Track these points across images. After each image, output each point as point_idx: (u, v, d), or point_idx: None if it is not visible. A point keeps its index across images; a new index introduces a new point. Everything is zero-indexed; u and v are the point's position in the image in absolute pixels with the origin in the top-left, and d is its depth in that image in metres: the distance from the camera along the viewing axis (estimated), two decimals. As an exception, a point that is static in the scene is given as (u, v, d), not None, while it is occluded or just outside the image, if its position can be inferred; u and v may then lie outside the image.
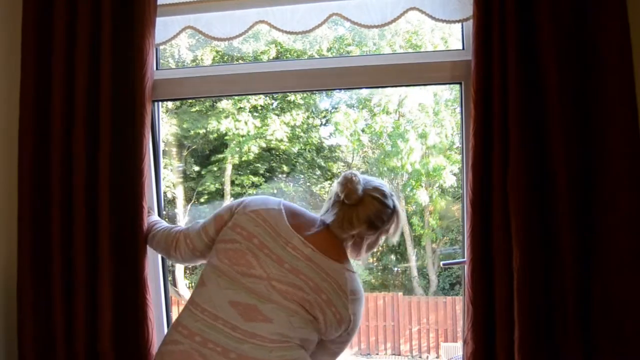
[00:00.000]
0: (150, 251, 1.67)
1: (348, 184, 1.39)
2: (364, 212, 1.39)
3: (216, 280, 1.34)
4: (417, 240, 7.44)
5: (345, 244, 1.44)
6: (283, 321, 1.29)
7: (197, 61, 6.54)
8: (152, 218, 1.70)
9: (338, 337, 1.40)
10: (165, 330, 1.82)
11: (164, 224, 1.67)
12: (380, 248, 7.76)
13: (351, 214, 1.39)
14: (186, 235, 1.51)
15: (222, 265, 1.35)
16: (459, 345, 6.26)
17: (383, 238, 1.49)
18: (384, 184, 1.46)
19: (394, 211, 1.44)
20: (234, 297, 1.30)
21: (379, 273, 7.68)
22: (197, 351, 1.26)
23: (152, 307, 1.64)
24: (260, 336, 1.27)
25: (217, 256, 1.38)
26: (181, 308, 1.39)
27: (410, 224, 7.30)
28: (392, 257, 7.67)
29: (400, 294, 7.09)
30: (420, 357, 6.87)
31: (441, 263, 1.88)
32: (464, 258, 1.59)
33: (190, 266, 5.18)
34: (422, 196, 7.03)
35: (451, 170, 6.75)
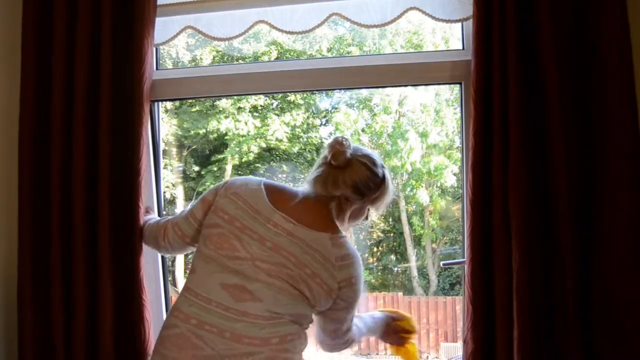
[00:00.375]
0: (150, 251, 1.67)
1: (337, 145, 1.36)
2: (350, 176, 1.36)
3: (205, 266, 1.35)
4: (417, 240, 7.43)
5: (331, 209, 1.40)
6: (271, 299, 1.30)
7: (196, 61, 6.54)
8: (148, 217, 1.69)
9: (337, 305, 1.38)
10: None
11: (157, 218, 1.67)
12: (380, 248, 7.75)
13: (337, 175, 1.37)
14: (174, 224, 1.51)
15: (208, 251, 1.36)
16: (459, 345, 6.26)
17: (368, 209, 1.45)
18: (375, 153, 1.43)
19: (382, 181, 1.41)
20: (223, 280, 1.32)
21: (379, 273, 7.68)
22: (194, 333, 1.29)
23: (148, 307, 1.64)
24: (251, 314, 1.29)
25: (204, 242, 1.39)
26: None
27: (410, 224, 7.30)
28: (392, 257, 7.67)
29: (400, 294, 7.09)
30: (420, 356, 6.88)
31: (441, 263, 1.88)
32: (464, 258, 1.59)
33: (184, 260, 5.19)
34: (422, 196, 7.03)
35: (451, 170, 6.75)
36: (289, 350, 1.31)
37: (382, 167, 1.42)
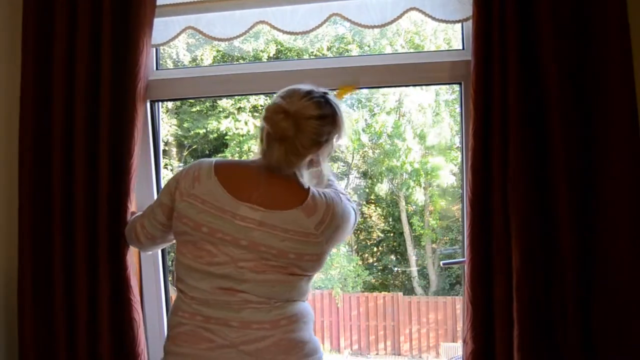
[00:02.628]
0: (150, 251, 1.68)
1: (273, 115, 1.26)
2: (305, 138, 1.26)
3: (189, 275, 1.32)
4: (417, 240, 7.44)
5: (300, 174, 1.33)
6: (266, 292, 1.30)
7: (197, 61, 6.54)
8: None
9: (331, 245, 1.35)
10: (165, 329, 1.83)
11: (134, 217, 1.61)
12: (380, 248, 7.75)
13: (293, 146, 1.27)
14: (142, 225, 1.47)
15: (188, 261, 1.32)
16: (458, 345, 6.26)
17: (335, 141, 1.36)
18: (312, 87, 1.31)
19: (335, 115, 1.31)
20: (215, 285, 1.30)
21: (379, 273, 7.68)
22: (202, 327, 1.29)
23: (137, 307, 1.64)
24: (253, 302, 1.29)
25: (180, 251, 1.34)
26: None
27: (410, 224, 7.30)
28: (392, 257, 7.67)
29: (400, 294, 7.09)
30: (420, 357, 6.87)
31: (441, 263, 1.87)
32: (464, 258, 1.59)
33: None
34: (419, 195, 7.03)
35: (450, 170, 6.75)
36: (298, 329, 1.31)
37: (326, 100, 1.30)
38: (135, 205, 1.79)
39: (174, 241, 1.43)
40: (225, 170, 1.34)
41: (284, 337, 1.28)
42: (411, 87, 6.46)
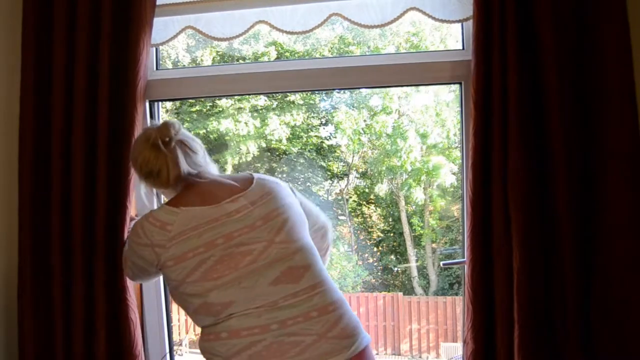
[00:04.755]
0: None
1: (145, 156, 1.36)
2: (172, 157, 1.35)
3: (238, 289, 1.26)
4: (417, 240, 7.44)
5: (203, 170, 1.40)
6: (312, 254, 1.33)
7: (197, 63, 6.54)
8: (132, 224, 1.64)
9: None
10: (166, 332, 1.83)
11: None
12: (380, 248, 7.75)
13: (173, 159, 1.35)
14: (126, 265, 1.46)
15: (226, 278, 1.26)
16: (459, 345, 6.26)
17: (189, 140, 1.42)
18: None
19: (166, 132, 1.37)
20: (269, 279, 1.26)
21: (379, 273, 7.68)
22: (284, 335, 1.23)
23: (132, 307, 1.64)
24: (317, 283, 1.29)
25: (205, 281, 1.26)
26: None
27: (410, 224, 7.30)
28: (392, 257, 7.67)
29: (400, 294, 7.09)
30: (420, 357, 6.87)
31: (441, 263, 1.87)
32: (464, 258, 1.59)
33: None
34: (418, 195, 7.03)
35: (450, 169, 6.75)
36: (344, 299, 1.33)
37: (148, 133, 1.38)
38: (135, 205, 1.79)
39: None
40: (177, 200, 1.36)
41: (348, 308, 1.31)
42: (410, 87, 6.46)
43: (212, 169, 1.44)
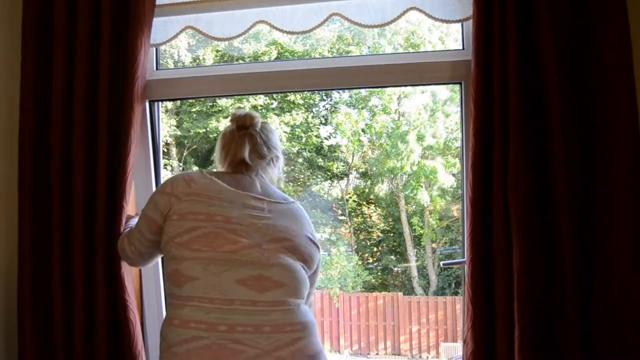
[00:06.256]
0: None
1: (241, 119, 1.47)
2: (236, 142, 1.45)
3: (205, 269, 1.27)
4: (417, 240, 7.44)
5: (262, 174, 1.47)
6: (292, 279, 1.31)
7: (198, 61, 6.55)
8: (130, 222, 1.65)
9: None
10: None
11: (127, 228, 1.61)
12: (380, 248, 7.75)
13: (234, 144, 1.45)
14: (130, 242, 1.48)
15: (201, 254, 1.28)
16: (458, 345, 6.26)
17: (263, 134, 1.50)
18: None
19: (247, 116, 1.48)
20: (236, 276, 1.27)
21: (379, 273, 7.68)
22: (228, 339, 1.21)
23: (132, 307, 1.63)
24: (281, 301, 1.27)
25: (185, 249, 1.29)
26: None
27: (410, 224, 7.31)
28: (392, 257, 7.68)
29: (400, 294, 7.10)
30: (420, 356, 6.88)
31: (441, 263, 1.87)
32: (464, 258, 1.59)
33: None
34: (423, 196, 7.04)
35: (450, 170, 6.76)
36: (314, 328, 1.32)
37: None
38: (134, 205, 1.79)
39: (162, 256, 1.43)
40: (214, 173, 1.43)
41: (312, 339, 1.28)
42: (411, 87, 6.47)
43: (270, 178, 1.50)
